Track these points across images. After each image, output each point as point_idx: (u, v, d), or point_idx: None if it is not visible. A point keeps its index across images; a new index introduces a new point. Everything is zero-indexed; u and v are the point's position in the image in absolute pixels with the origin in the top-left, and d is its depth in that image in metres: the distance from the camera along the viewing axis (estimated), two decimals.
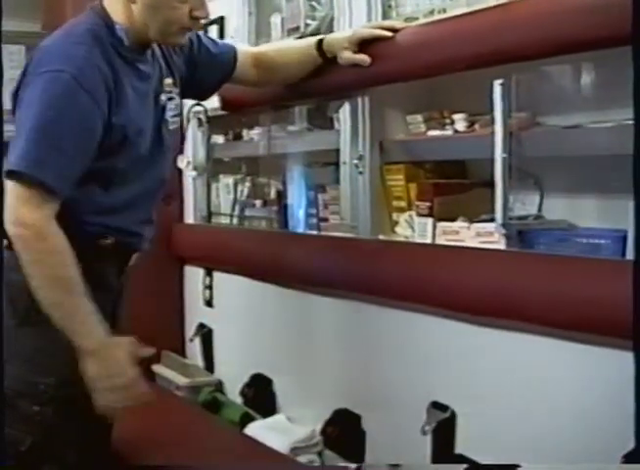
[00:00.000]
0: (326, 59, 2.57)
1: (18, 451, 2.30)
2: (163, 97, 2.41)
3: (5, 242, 2.30)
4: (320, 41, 2.58)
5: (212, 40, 2.68)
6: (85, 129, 2.18)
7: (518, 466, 2.06)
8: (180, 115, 2.50)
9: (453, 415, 2.36)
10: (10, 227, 2.15)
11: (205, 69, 2.59)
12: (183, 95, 2.57)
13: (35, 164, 2.13)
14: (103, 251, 2.36)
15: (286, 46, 2.84)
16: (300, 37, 3.06)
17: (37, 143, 2.13)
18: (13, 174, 2.13)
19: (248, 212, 3.65)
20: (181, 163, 3.79)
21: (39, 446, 2.32)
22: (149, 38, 2.31)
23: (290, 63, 2.68)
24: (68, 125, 2.15)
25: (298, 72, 2.67)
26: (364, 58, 2.46)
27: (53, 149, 2.14)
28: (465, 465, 2.27)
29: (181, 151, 3.79)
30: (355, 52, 2.49)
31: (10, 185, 2.14)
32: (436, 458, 2.40)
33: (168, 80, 2.44)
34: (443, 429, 2.37)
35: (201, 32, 2.62)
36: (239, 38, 3.52)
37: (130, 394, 2.23)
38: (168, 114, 2.42)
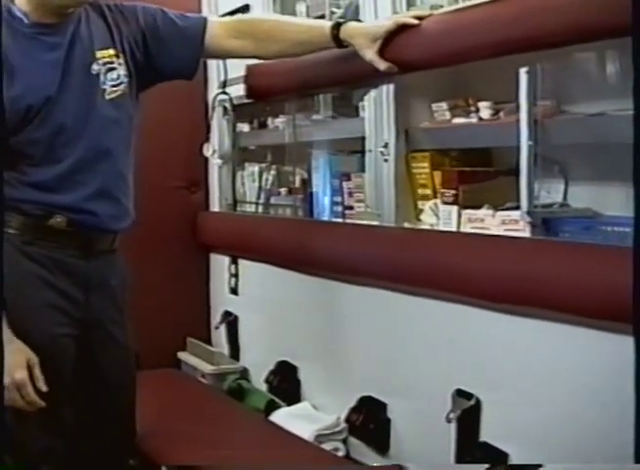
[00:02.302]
0: (340, 46, 2.52)
1: None
2: (96, 66, 2.40)
3: None
4: (337, 27, 2.51)
5: (181, 15, 2.63)
6: None
7: (540, 466, 2.06)
8: (124, 84, 2.46)
9: (478, 403, 2.36)
10: None
11: (171, 42, 2.56)
12: (162, 74, 2.57)
13: None
14: (56, 231, 2.36)
15: (293, 22, 2.76)
16: None
17: None
18: None
19: (273, 201, 3.65)
20: (207, 151, 3.81)
21: (8, 435, 2.31)
22: (51, 9, 2.34)
23: (292, 38, 2.61)
24: None
25: (300, 51, 2.65)
26: (390, 66, 2.44)
27: None
28: (487, 465, 2.27)
29: (207, 139, 3.81)
30: (381, 47, 2.45)
31: None
32: (461, 446, 2.40)
33: (107, 51, 2.43)
34: (468, 417, 2.37)
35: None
36: None
37: (13, 396, 2.24)
38: (106, 83, 2.42)
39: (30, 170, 2.33)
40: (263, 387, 3.46)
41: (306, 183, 3.42)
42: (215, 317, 3.94)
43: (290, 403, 3.26)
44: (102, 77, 2.41)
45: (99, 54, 2.42)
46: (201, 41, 2.60)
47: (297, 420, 3.04)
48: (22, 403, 2.26)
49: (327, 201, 3.24)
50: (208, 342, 3.97)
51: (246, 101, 3.47)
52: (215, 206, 4.01)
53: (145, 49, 2.52)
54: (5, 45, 2.23)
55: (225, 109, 3.80)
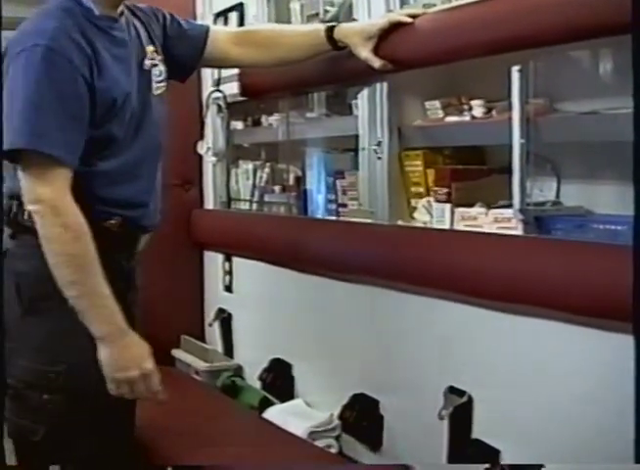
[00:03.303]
0: (336, 47, 2.54)
1: (31, 442, 2.31)
2: (147, 62, 2.42)
3: (9, 231, 2.32)
4: (331, 29, 2.54)
5: (185, 20, 2.67)
6: (72, 94, 2.17)
7: (542, 466, 2.07)
8: (165, 82, 2.48)
9: (470, 400, 2.37)
10: (29, 207, 2.18)
11: (177, 43, 2.58)
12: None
13: (35, 137, 2.13)
14: (110, 233, 2.35)
15: (289, 28, 2.84)
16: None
17: (30, 118, 2.12)
18: (17, 154, 2.13)
19: (267, 198, 3.66)
20: (201, 148, 3.81)
21: (52, 436, 2.33)
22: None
23: (290, 44, 2.64)
24: (54, 94, 2.15)
25: (298, 56, 2.64)
26: (385, 64, 2.45)
27: (47, 119, 2.13)
28: (486, 465, 2.27)
29: (201, 137, 3.81)
30: (375, 46, 2.47)
31: (20, 168, 2.16)
32: (453, 443, 2.41)
33: (150, 47, 2.45)
34: (460, 414, 2.38)
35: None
36: (259, 25, 3.53)
37: (142, 388, 2.26)
38: (153, 79, 2.43)
39: (97, 165, 2.31)
40: (257, 384, 3.46)
41: (300, 181, 3.43)
42: (209, 315, 3.94)
43: (283, 401, 3.27)
44: (150, 73, 2.43)
45: (147, 49, 2.44)
46: (202, 45, 2.63)
47: (290, 417, 3.05)
48: (145, 394, 2.28)
49: (321, 198, 3.25)
50: (202, 339, 3.98)
51: (240, 99, 3.48)
52: (209, 203, 4.02)
53: (163, 48, 2.54)
54: (89, 35, 2.24)
55: (219, 106, 3.80)
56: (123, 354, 2.21)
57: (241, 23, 3.63)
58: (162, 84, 2.47)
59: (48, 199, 2.14)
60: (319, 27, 2.60)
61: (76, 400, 2.32)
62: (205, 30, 2.65)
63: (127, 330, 2.23)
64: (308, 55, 2.64)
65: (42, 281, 2.25)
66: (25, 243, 2.30)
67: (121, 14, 2.38)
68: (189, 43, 2.62)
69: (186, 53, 2.62)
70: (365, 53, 2.46)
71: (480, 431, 2.36)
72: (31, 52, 2.15)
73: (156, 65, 2.45)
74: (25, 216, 2.28)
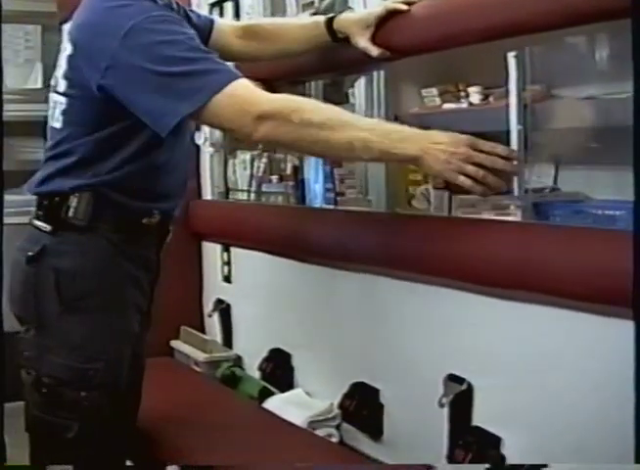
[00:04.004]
0: (335, 38, 2.55)
1: (65, 439, 2.32)
2: None
3: (49, 227, 2.31)
4: (330, 20, 2.56)
5: (189, 9, 2.69)
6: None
7: (545, 466, 2.07)
8: None
9: (470, 388, 2.37)
10: (258, 130, 2.12)
11: None
12: None
13: (217, 73, 2.13)
14: (149, 228, 2.37)
15: (288, 21, 2.86)
16: (315, 13, 3.06)
17: (188, 63, 2.13)
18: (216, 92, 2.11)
19: (264, 188, 3.65)
20: (198, 139, 3.80)
21: (87, 432, 2.33)
22: None
23: (290, 37, 2.66)
24: (184, 37, 2.19)
25: (299, 48, 2.66)
26: (382, 52, 2.44)
27: (201, 59, 2.16)
28: (487, 465, 2.27)
29: (198, 128, 3.80)
30: (373, 34, 2.46)
31: (220, 102, 2.11)
32: (453, 431, 2.41)
33: None
34: (460, 401, 2.38)
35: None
36: (254, 14, 3.52)
37: (481, 157, 2.10)
38: None
39: (152, 158, 2.33)
40: (257, 374, 3.46)
41: (298, 170, 3.42)
42: (208, 305, 3.94)
43: (283, 390, 3.27)
44: None
45: None
46: (207, 37, 2.64)
47: (290, 407, 3.05)
48: (493, 161, 2.10)
49: (318, 188, 3.24)
50: (202, 330, 3.98)
51: None
52: (207, 194, 4.01)
53: None
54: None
55: None
56: (433, 145, 2.11)
57: (236, 12, 3.62)
58: None
59: (272, 108, 2.12)
60: (319, 19, 2.61)
61: (110, 396, 2.33)
62: (210, 22, 2.66)
63: (425, 133, 2.16)
64: (309, 47, 2.64)
65: (83, 279, 2.27)
66: (67, 240, 2.30)
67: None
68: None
69: None
70: (363, 42, 2.46)
71: (480, 418, 2.36)
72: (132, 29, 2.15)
73: None
74: (70, 213, 2.28)
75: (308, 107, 2.15)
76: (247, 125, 2.10)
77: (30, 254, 2.32)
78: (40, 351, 2.32)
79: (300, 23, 2.73)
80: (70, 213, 2.29)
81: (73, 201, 2.30)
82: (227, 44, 2.67)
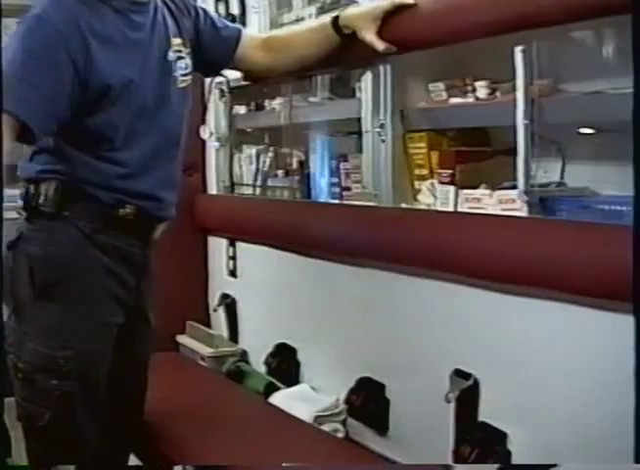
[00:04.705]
0: (343, 35, 2.53)
1: (36, 427, 2.32)
2: (172, 54, 2.41)
3: (25, 214, 2.33)
4: (335, 18, 2.53)
5: (218, 18, 2.70)
6: (51, 61, 2.17)
7: (555, 465, 2.06)
8: (190, 75, 2.47)
9: (476, 383, 2.36)
10: None
11: (209, 40, 2.60)
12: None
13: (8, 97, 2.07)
14: (124, 221, 2.36)
15: (299, 27, 2.84)
16: (321, 7, 3.06)
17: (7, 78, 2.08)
18: None
19: (270, 183, 3.65)
20: (204, 133, 3.79)
21: (57, 421, 2.33)
22: None
23: (303, 42, 2.65)
24: (32, 58, 2.15)
25: (313, 52, 2.63)
26: (388, 46, 2.42)
27: (21, 82, 2.11)
28: (498, 465, 2.27)
29: (203, 121, 3.80)
30: (379, 28, 2.44)
31: None
32: (460, 426, 2.40)
33: (177, 40, 2.44)
34: (466, 397, 2.37)
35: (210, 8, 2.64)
36: (260, 9, 3.52)
37: None
38: (177, 72, 2.42)
39: (109, 155, 2.32)
40: (262, 369, 3.46)
41: (304, 165, 3.42)
42: (214, 300, 3.94)
43: (289, 385, 3.26)
44: (174, 65, 2.42)
45: (173, 41, 2.43)
46: (234, 47, 2.64)
47: (296, 402, 3.04)
48: None
49: (324, 182, 3.24)
50: (207, 324, 3.97)
51: (242, 83, 3.46)
52: (213, 188, 4.01)
53: (193, 43, 2.54)
54: (99, 14, 2.24)
55: (222, 91, 3.78)
56: None
57: (242, 6, 3.62)
58: (187, 78, 2.46)
59: None
60: (325, 20, 2.59)
61: (82, 387, 2.33)
62: (238, 32, 2.65)
63: None
64: (321, 49, 2.60)
65: (54, 266, 2.28)
66: (39, 227, 2.33)
67: (149, 0, 2.38)
68: (221, 43, 2.63)
69: (217, 52, 2.64)
70: (369, 35, 2.44)
71: (486, 414, 2.35)
72: (23, 19, 2.19)
73: (182, 57, 2.44)
74: (40, 200, 2.30)
75: None
76: None
77: (9, 240, 2.35)
78: (18, 337, 2.34)
79: (309, 27, 2.72)
80: (41, 200, 2.32)
81: (43, 188, 2.32)
82: (249, 56, 2.66)
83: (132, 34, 2.32)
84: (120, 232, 2.36)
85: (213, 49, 2.61)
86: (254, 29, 3.47)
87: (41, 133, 2.19)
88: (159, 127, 2.38)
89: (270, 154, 3.69)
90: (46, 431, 2.32)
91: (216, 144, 3.86)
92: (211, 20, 2.61)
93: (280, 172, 3.61)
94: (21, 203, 2.38)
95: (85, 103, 2.23)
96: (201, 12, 2.59)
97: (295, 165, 3.48)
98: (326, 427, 2.89)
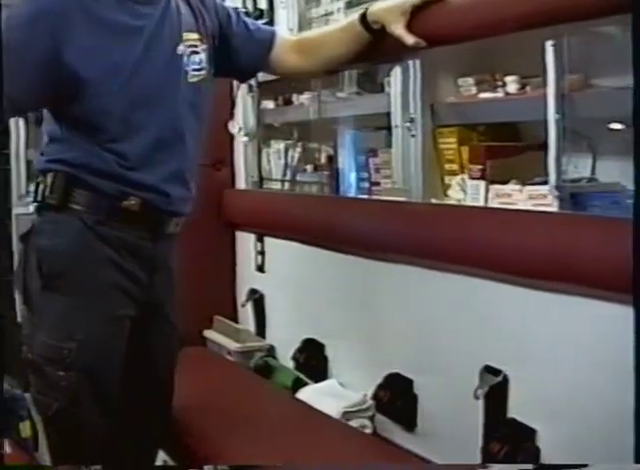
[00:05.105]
0: (372, 31, 2.48)
1: (46, 417, 2.33)
2: (182, 47, 2.39)
3: (36, 206, 2.35)
4: (364, 14, 2.49)
5: (251, 21, 2.69)
6: (34, 35, 2.18)
7: (585, 465, 2.05)
8: (205, 71, 2.46)
9: (506, 379, 2.35)
10: None
11: (241, 43, 2.58)
12: (221, 72, 2.57)
13: None
14: (129, 213, 2.35)
15: (329, 28, 2.80)
16: (349, 1, 3.05)
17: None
18: None
19: (299, 178, 3.65)
20: (233, 128, 3.80)
21: (65, 412, 2.34)
22: None
23: (333, 43, 2.60)
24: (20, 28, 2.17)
25: (344, 52, 2.58)
26: (418, 41, 2.39)
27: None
28: (531, 465, 2.26)
29: (231, 116, 3.80)
30: (408, 22, 2.41)
31: None
32: (489, 423, 2.39)
33: (192, 35, 2.43)
34: (496, 393, 2.36)
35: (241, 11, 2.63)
36: (288, 3, 3.51)
37: None
38: (189, 66, 2.41)
39: (110, 146, 2.31)
40: (290, 364, 3.46)
41: (332, 160, 3.42)
42: (242, 295, 3.94)
43: (316, 381, 3.26)
44: (185, 59, 2.40)
45: (185, 36, 2.41)
46: (267, 50, 2.61)
47: (323, 397, 3.04)
48: None
49: (353, 177, 3.23)
50: (235, 319, 3.97)
51: (270, 78, 3.46)
52: (241, 183, 4.01)
53: (218, 42, 2.53)
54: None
55: (250, 86, 3.79)
56: None
57: (270, 2, 3.61)
58: (200, 73, 2.44)
59: None
60: (353, 17, 2.56)
61: (89, 379, 2.34)
62: (272, 35, 2.63)
63: None
64: (351, 48, 2.55)
65: (60, 258, 2.30)
66: (46, 219, 2.35)
67: None
68: (254, 46, 2.61)
69: (251, 56, 2.62)
70: (398, 30, 2.42)
71: (515, 410, 2.34)
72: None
73: (195, 53, 2.43)
74: (47, 192, 2.32)
75: None
76: None
77: (23, 232, 2.39)
78: (29, 328, 2.38)
79: (338, 26, 2.68)
80: (47, 192, 2.33)
81: (49, 179, 2.34)
82: (281, 59, 2.64)
83: (133, 22, 2.31)
84: (125, 224, 2.36)
85: (246, 52, 2.60)
86: (283, 25, 3.47)
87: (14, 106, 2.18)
88: (161, 120, 2.36)
89: (299, 149, 3.69)
90: (55, 421, 2.33)
91: (245, 139, 3.86)
92: (244, 22, 2.60)
93: (308, 167, 3.61)
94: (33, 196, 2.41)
95: (67, 83, 2.23)
96: (233, 14, 2.57)
97: (323, 160, 3.47)
98: (354, 423, 2.88)
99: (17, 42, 2.13)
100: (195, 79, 2.43)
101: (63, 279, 2.32)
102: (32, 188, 2.45)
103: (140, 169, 2.34)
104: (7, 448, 2.33)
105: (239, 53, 2.58)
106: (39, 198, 2.37)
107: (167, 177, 2.40)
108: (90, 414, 2.38)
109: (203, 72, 2.45)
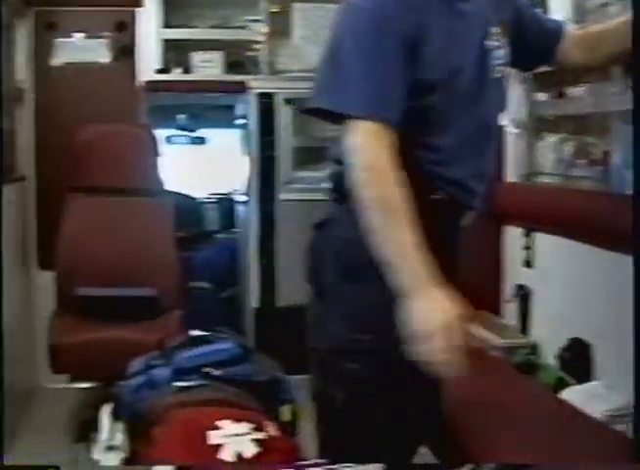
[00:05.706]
0: None
1: (331, 410, 2.34)
2: (489, 43, 2.34)
3: (334, 195, 2.34)
4: None
5: (539, 11, 2.66)
6: (388, 49, 2.17)
7: None
8: (504, 66, 2.42)
9: None
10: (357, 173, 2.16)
11: (533, 34, 2.53)
12: (508, 62, 2.51)
13: (373, 105, 2.15)
14: (435, 206, 2.32)
15: (612, 22, 2.66)
16: None
17: (363, 83, 2.16)
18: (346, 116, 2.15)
19: (572, 172, 3.56)
20: (503, 120, 3.76)
21: (352, 405, 2.32)
22: None
23: (617, 38, 2.50)
24: (370, 50, 2.17)
25: (629, 47, 2.47)
26: None
27: (378, 85, 2.16)
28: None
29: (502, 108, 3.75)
30: None
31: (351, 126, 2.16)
32: None
33: (495, 29, 2.38)
34: None
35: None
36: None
37: (440, 345, 2.03)
38: (494, 61, 2.36)
39: (424, 140, 2.30)
40: (551, 363, 3.40)
41: (608, 155, 3.31)
42: (506, 290, 3.89)
43: (579, 382, 3.20)
44: (491, 54, 2.37)
45: (491, 30, 2.39)
46: (557, 41, 2.56)
47: (588, 399, 2.98)
48: (443, 357, 2.05)
49: (629, 174, 3.12)
50: (497, 314, 3.94)
51: (545, 69, 3.39)
52: (510, 176, 3.95)
53: (512, 33, 2.48)
54: (428, 3, 2.26)
55: (523, 77, 3.73)
56: (424, 306, 2.05)
57: None
58: (500, 68, 2.41)
59: (376, 166, 2.14)
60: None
61: (379, 371, 2.32)
62: (561, 27, 2.59)
63: (433, 286, 2.07)
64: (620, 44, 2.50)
65: (361, 249, 2.23)
66: (351, 209, 2.27)
67: None
68: (544, 38, 2.57)
69: (541, 47, 2.58)
70: None
71: None
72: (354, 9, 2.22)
73: (498, 47, 2.40)
74: (345, 182, 2.29)
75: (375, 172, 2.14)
76: None
77: (318, 221, 2.38)
78: (318, 318, 2.37)
79: (621, 21, 2.57)
80: (345, 182, 2.24)
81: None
82: (567, 55, 2.57)
83: (455, 23, 2.28)
84: (432, 217, 2.31)
85: (537, 44, 2.55)
86: (557, 15, 3.40)
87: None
88: (472, 116, 2.32)
89: (572, 142, 3.60)
90: (340, 414, 2.34)
91: (515, 131, 3.81)
92: (535, 13, 2.56)
93: (582, 162, 3.51)
94: (329, 184, 2.39)
95: (417, 89, 2.23)
96: (524, 3, 2.53)
97: (598, 156, 3.37)
98: (617, 428, 2.81)
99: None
100: (497, 75, 2.39)
101: (365, 270, 2.26)
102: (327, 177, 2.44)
103: (448, 166, 2.32)
104: (271, 431, 2.39)
105: (530, 44, 2.53)
106: (335, 186, 2.36)
107: (474, 175, 2.37)
108: (381, 407, 2.34)
109: (503, 68, 2.41)
